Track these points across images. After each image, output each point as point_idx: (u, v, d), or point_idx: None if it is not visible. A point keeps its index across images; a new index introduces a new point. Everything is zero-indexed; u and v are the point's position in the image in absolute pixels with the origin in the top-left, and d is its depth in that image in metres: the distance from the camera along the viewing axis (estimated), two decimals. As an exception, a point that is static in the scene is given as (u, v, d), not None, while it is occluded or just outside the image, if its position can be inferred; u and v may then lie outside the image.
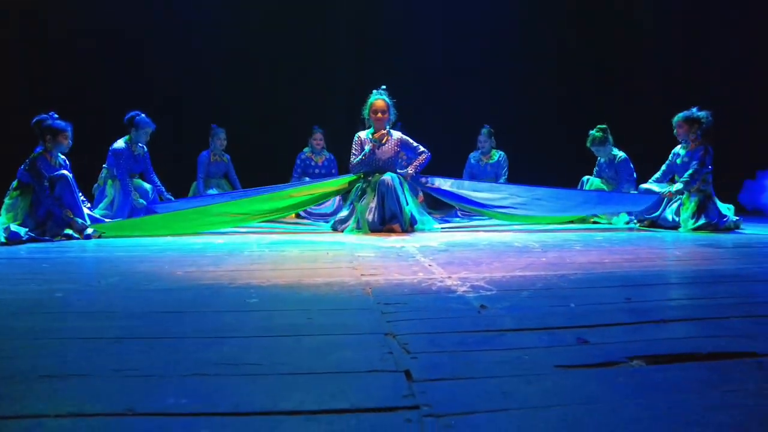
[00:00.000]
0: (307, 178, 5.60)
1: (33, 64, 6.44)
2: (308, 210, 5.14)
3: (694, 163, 4.26)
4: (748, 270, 2.45)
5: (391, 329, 1.44)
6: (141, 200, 4.46)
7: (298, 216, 5.27)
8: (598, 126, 4.93)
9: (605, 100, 6.98)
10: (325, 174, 5.70)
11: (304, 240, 3.76)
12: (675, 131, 4.44)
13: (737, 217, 4.24)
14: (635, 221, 4.62)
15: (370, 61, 7.00)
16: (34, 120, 3.77)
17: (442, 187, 4.52)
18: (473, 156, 5.77)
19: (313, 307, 1.72)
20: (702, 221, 4.15)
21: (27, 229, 3.52)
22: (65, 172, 3.76)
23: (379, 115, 4.30)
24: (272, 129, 6.79)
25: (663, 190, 4.38)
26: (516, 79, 7.14)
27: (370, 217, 4.06)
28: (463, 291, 1.93)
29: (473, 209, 4.64)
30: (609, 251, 3.04)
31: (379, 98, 4.33)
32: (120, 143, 4.49)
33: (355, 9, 7.19)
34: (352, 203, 4.29)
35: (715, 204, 4.24)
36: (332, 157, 5.94)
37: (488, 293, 1.89)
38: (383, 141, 4.31)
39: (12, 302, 1.83)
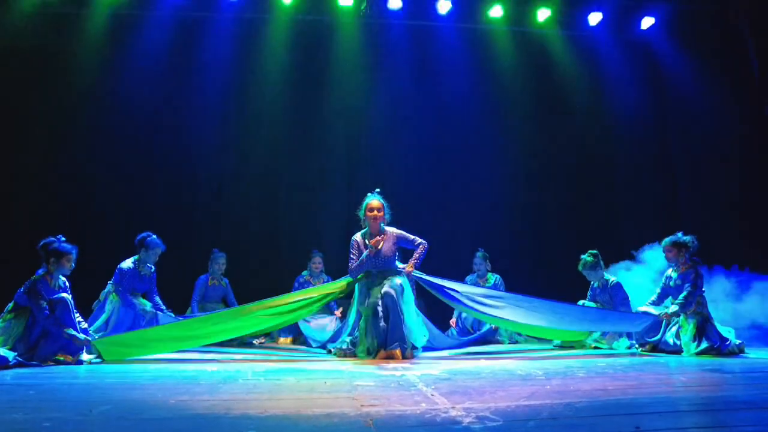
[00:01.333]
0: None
1: (38, 197, 6.81)
2: (308, 337, 5.04)
3: (687, 285, 4.36)
4: (760, 397, 2.40)
5: (397, 462, 1.38)
6: (146, 307, 4.45)
7: (294, 341, 5.16)
8: (590, 251, 5.09)
9: (602, 224, 7.45)
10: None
11: (300, 368, 3.65)
12: (665, 255, 4.60)
13: (740, 341, 4.21)
14: (636, 346, 4.57)
15: (361, 191, 7.50)
16: (42, 243, 3.85)
17: (444, 285, 4.46)
18: (470, 279, 5.85)
19: (313, 439, 1.65)
20: (704, 345, 4.13)
21: (15, 354, 3.42)
22: (65, 295, 3.76)
23: (375, 213, 4.37)
24: (271, 252, 6.97)
25: (660, 312, 4.40)
26: (511, 202, 7.68)
27: (369, 339, 4.00)
28: (469, 422, 1.87)
29: (471, 312, 4.55)
30: (612, 378, 2.97)
31: (374, 198, 4.46)
32: (128, 263, 4.59)
33: (350, 139, 7.85)
34: (354, 320, 4.25)
35: (714, 326, 4.25)
36: (330, 280, 6.00)
37: (494, 424, 1.83)
38: (379, 246, 4.30)
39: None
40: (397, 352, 3.95)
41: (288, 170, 7.79)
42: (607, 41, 8.56)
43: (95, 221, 6.61)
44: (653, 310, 4.48)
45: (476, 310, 4.42)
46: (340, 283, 4.47)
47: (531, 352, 4.55)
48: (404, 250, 4.53)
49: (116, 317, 4.38)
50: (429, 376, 3.10)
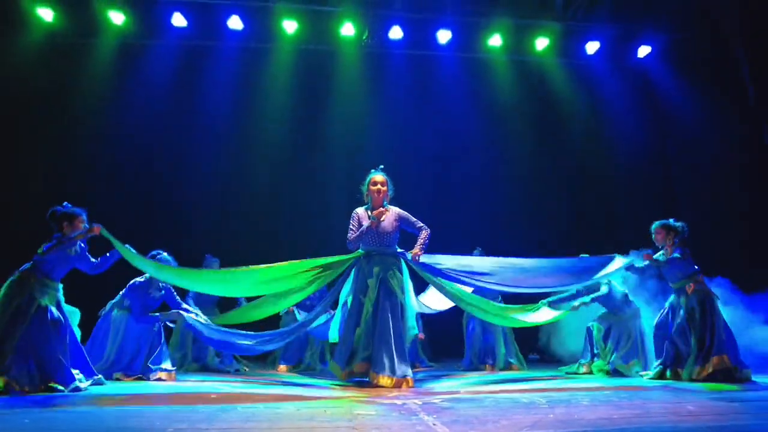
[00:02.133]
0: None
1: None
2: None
3: (676, 254, 4.46)
4: (760, 425, 2.35)
5: (398, 493, 1.35)
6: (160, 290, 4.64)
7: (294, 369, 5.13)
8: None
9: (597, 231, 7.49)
10: (317, 302, 5.48)
11: (300, 395, 3.58)
12: (653, 237, 4.65)
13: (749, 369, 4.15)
14: (642, 373, 4.53)
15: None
16: (50, 212, 3.81)
17: (441, 269, 4.41)
18: None
19: (312, 469, 1.62)
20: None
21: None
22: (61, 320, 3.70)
23: (379, 186, 4.22)
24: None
25: (640, 264, 4.58)
26: (511, 224, 7.73)
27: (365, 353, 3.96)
28: (471, 450, 1.83)
29: (470, 280, 4.52)
30: (617, 406, 2.91)
31: (378, 173, 4.32)
32: (141, 279, 4.61)
33: (351, 165, 7.92)
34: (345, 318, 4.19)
35: (717, 308, 4.32)
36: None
37: (497, 453, 1.79)
38: (382, 218, 4.16)
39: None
40: (406, 381, 3.88)
41: (290, 194, 7.86)
42: (604, 69, 8.74)
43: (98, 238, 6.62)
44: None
45: (474, 284, 4.49)
46: (340, 258, 4.27)
47: (534, 380, 4.48)
48: (404, 239, 4.35)
49: (123, 333, 4.41)
50: (430, 404, 3.04)
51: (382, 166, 4.44)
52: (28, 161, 7.21)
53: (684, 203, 8.22)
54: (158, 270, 4.23)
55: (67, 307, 3.85)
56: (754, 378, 4.14)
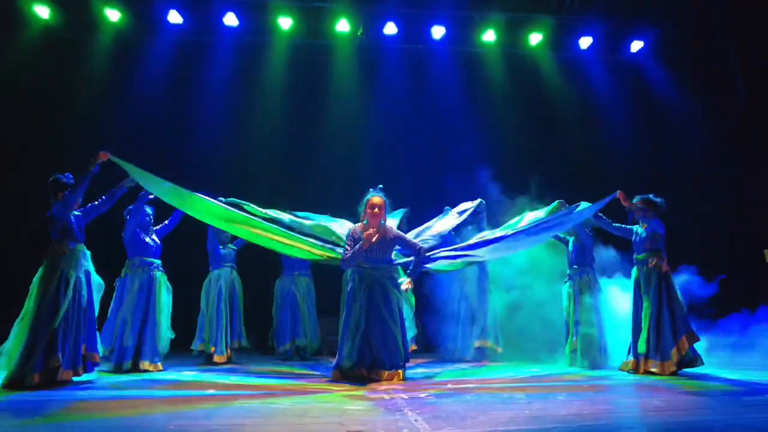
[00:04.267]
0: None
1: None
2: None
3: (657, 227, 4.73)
4: (725, 422, 2.54)
5: (372, 489, 1.53)
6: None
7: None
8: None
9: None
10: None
11: (295, 391, 3.76)
12: (633, 211, 4.89)
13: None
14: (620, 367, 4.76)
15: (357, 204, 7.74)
16: (51, 178, 4.10)
17: (439, 255, 4.67)
18: None
19: (300, 466, 1.80)
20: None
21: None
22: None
23: (376, 210, 4.33)
24: (263, 261, 7.03)
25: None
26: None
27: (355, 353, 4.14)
28: (445, 448, 2.02)
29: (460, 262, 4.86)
30: (591, 402, 3.11)
31: (376, 195, 4.42)
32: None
33: (347, 157, 8.07)
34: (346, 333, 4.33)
35: (674, 286, 4.61)
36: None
37: (468, 450, 1.98)
38: (373, 239, 4.26)
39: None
40: (399, 374, 4.12)
41: (286, 188, 7.98)
42: (597, 64, 8.82)
43: (95, 231, 6.76)
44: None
45: (464, 258, 4.76)
46: (326, 252, 4.56)
47: (523, 376, 4.66)
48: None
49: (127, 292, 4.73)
50: (416, 399, 3.24)
51: (381, 186, 4.56)
52: (27, 158, 7.33)
53: (673, 197, 8.37)
54: (170, 192, 4.38)
55: (95, 278, 4.14)
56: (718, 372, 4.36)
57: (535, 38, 8.36)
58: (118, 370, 4.52)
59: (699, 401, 3.14)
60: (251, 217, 4.55)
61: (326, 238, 4.73)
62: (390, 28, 8.00)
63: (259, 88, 8.25)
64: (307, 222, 4.92)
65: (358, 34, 8.17)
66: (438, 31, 8.12)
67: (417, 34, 8.23)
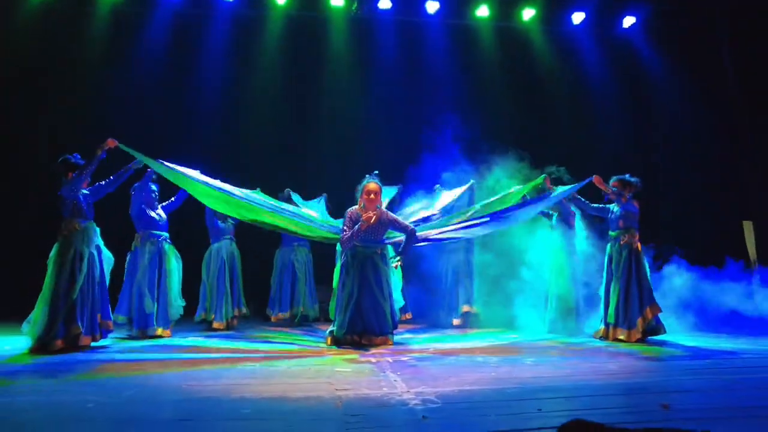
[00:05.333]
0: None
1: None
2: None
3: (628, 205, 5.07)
4: (657, 382, 2.94)
5: (350, 435, 1.92)
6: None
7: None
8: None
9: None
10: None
11: (291, 354, 4.16)
12: (609, 190, 5.20)
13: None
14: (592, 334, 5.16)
15: (353, 179, 8.01)
16: (60, 159, 4.42)
17: (430, 237, 5.02)
18: None
19: (293, 418, 2.20)
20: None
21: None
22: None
23: (372, 196, 4.63)
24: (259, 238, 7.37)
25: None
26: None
27: (347, 319, 4.53)
28: (414, 404, 2.41)
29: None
30: (553, 366, 3.51)
31: (372, 181, 4.73)
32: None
33: (342, 131, 8.28)
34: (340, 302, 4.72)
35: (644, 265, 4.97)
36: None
37: (434, 405, 2.38)
38: (371, 221, 4.58)
39: (56, 411, 2.29)
40: (374, 339, 4.54)
41: (281, 157, 8.23)
42: (589, 40, 8.93)
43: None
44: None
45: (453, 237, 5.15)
46: (321, 234, 4.96)
47: (501, 342, 5.06)
48: None
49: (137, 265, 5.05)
50: (399, 362, 3.65)
51: (376, 172, 4.87)
52: (28, 130, 7.55)
53: (663, 174, 8.67)
54: (175, 177, 4.67)
55: (105, 253, 4.50)
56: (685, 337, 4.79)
57: (528, 13, 8.46)
58: (143, 335, 4.91)
59: (647, 365, 3.55)
60: (252, 203, 4.82)
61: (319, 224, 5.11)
62: (384, 2, 8.08)
63: (253, 60, 8.39)
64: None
65: (353, 8, 8.26)
66: (432, 6, 8.21)
67: (411, 9, 8.32)
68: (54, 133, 7.52)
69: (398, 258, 4.83)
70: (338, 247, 5.21)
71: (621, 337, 4.88)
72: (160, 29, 8.07)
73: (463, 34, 8.69)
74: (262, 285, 6.87)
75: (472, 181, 6.19)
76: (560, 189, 5.25)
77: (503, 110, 8.74)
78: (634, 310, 4.87)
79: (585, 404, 2.47)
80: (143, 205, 5.19)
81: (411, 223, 5.07)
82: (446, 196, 5.91)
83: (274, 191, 7.91)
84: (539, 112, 8.85)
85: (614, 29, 8.77)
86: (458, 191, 5.97)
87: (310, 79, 8.45)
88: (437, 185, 6.24)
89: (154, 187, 5.29)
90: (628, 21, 8.63)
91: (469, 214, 5.35)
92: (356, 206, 4.80)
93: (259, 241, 6.98)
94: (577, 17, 8.54)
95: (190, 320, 5.92)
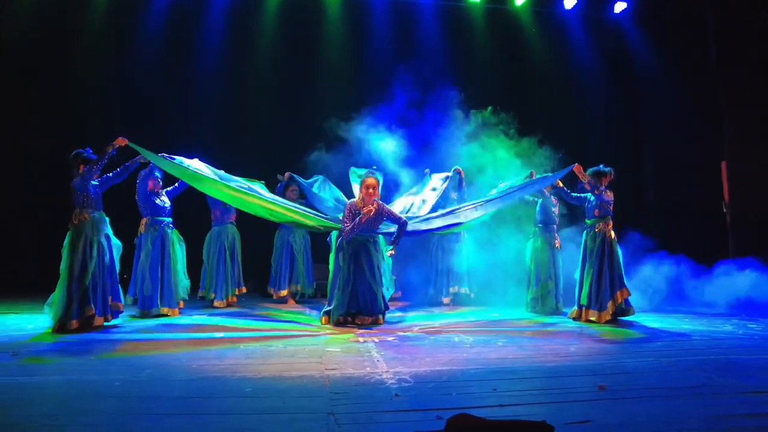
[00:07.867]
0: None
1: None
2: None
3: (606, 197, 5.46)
4: (605, 364, 3.37)
5: (333, 410, 2.35)
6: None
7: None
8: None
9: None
10: None
11: (287, 335, 4.58)
12: (587, 182, 5.56)
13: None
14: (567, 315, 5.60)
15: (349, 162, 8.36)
16: (73, 153, 4.79)
17: (420, 228, 5.42)
18: None
19: (287, 395, 2.63)
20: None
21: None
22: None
23: (371, 190, 5.02)
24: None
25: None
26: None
27: (344, 298, 4.95)
28: (391, 383, 2.84)
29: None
30: (520, 347, 3.94)
31: (371, 176, 5.12)
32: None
33: (336, 111, 8.45)
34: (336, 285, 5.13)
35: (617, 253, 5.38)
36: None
37: (407, 384, 2.81)
38: (371, 214, 4.98)
39: (88, 389, 2.71)
40: (366, 318, 4.99)
41: (279, 134, 8.52)
42: (581, 25, 9.09)
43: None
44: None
45: (446, 226, 5.49)
46: (320, 223, 5.31)
47: (481, 321, 5.50)
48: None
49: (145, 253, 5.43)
50: (384, 342, 4.08)
51: (375, 167, 5.25)
52: (27, 117, 7.81)
53: (649, 155, 9.00)
54: (182, 173, 5.02)
55: (114, 241, 4.90)
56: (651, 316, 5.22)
57: (520, -2, 8.60)
58: (146, 315, 5.35)
59: (603, 348, 3.97)
60: (257, 196, 5.17)
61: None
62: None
63: (251, 37, 8.59)
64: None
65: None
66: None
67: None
68: (53, 130, 7.77)
69: (391, 248, 5.24)
70: (333, 234, 5.60)
71: (592, 318, 5.31)
72: (159, 8, 8.25)
73: (457, 15, 8.85)
74: (264, 264, 7.31)
75: (456, 167, 6.54)
76: (542, 176, 5.61)
77: (493, 93, 8.95)
78: (606, 293, 5.29)
79: (534, 385, 2.90)
80: (148, 192, 5.55)
81: (404, 210, 5.47)
82: (435, 180, 6.28)
83: (273, 181, 8.31)
84: (527, 96, 9.06)
85: (606, 15, 8.93)
86: (444, 175, 6.34)
87: (305, 57, 8.65)
88: (426, 169, 6.59)
89: (158, 174, 5.64)
90: (620, 6, 8.78)
91: (457, 207, 5.72)
92: (355, 199, 5.19)
93: (260, 224, 7.37)
94: (569, 2, 8.68)
95: (195, 299, 6.37)
